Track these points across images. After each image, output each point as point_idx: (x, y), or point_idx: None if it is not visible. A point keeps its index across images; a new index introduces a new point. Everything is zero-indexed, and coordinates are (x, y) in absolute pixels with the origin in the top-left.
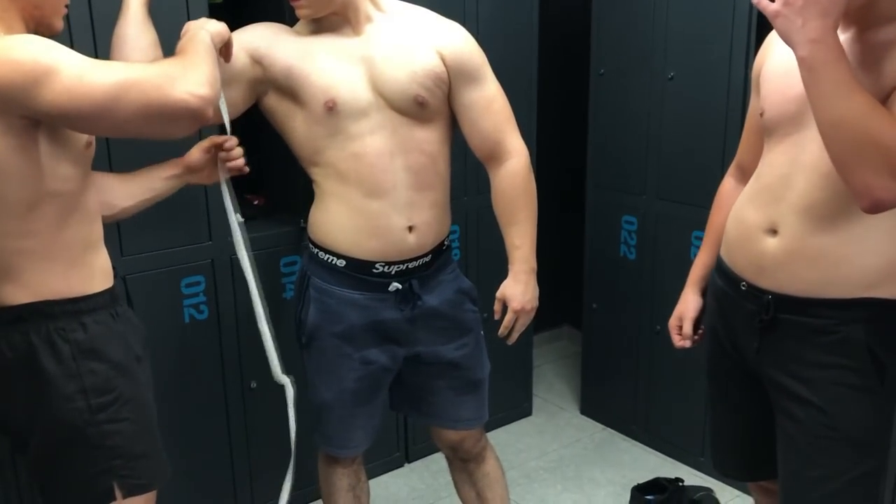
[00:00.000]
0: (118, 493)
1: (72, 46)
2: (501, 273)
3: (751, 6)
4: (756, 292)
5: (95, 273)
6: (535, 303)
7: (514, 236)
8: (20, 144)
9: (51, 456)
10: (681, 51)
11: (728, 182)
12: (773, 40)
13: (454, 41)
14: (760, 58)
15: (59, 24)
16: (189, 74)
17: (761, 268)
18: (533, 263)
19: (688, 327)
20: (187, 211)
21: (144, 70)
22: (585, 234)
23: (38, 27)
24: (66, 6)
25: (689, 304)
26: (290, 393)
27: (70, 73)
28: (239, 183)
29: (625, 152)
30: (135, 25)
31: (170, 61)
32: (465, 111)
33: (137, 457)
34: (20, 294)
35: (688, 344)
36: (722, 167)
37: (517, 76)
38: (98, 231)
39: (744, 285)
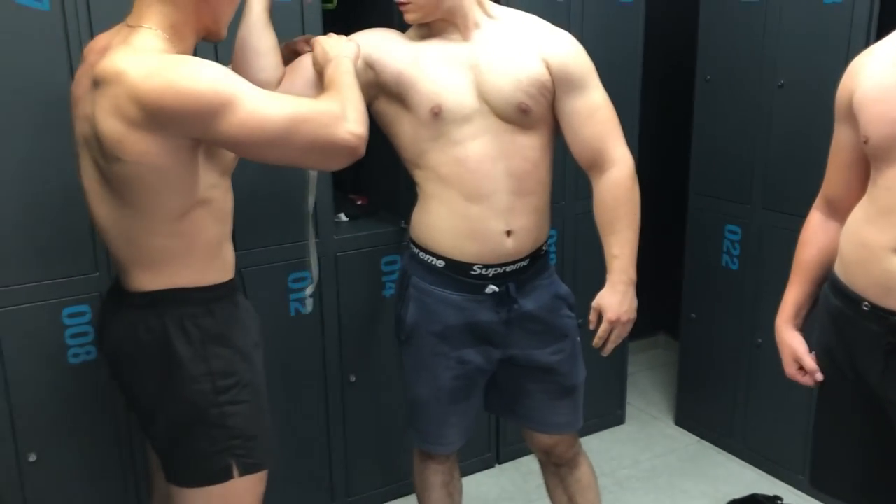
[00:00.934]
0: (235, 471)
1: (195, 51)
2: (598, 278)
3: (870, 14)
4: (882, 313)
5: (224, 265)
6: (633, 314)
7: (614, 245)
8: (185, 160)
9: (175, 433)
10: (792, 58)
11: (815, 216)
12: (859, 67)
13: (561, 49)
14: (847, 86)
15: (226, 33)
16: (349, 114)
17: (888, 289)
18: (632, 274)
19: (810, 361)
20: (295, 210)
21: (312, 107)
22: (686, 243)
23: (208, 35)
24: None
25: (795, 341)
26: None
27: (247, 105)
28: (343, 183)
29: (730, 160)
30: (257, 30)
31: (331, 98)
32: (568, 119)
33: (252, 437)
34: (157, 281)
35: (820, 377)
36: None
37: (620, 81)
38: (230, 228)
39: (866, 305)
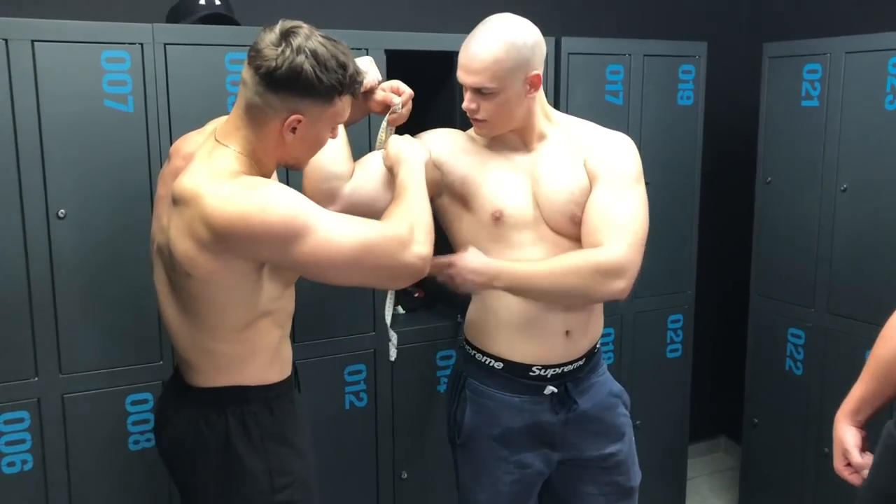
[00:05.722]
0: None
1: None
2: (655, 379)
3: None
4: None
5: (283, 364)
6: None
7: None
8: (251, 279)
9: None
10: (855, 162)
11: None
12: None
13: (602, 151)
14: None
15: (306, 167)
16: (417, 234)
17: None
18: (501, 278)
19: (857, 456)
20: (353, 305)
21: (382, 232)
22: (748, 346)
23: (288, 162)
24: None
25: (848, 435)
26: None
27: (319, 234)
28: None
29: (792, 263)
30: None
31: (401, 217)
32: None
33: None
34: (221, 378)
35: (866, 474)
36: None
37: (679, 182)
38: (289, 327)
39: None
